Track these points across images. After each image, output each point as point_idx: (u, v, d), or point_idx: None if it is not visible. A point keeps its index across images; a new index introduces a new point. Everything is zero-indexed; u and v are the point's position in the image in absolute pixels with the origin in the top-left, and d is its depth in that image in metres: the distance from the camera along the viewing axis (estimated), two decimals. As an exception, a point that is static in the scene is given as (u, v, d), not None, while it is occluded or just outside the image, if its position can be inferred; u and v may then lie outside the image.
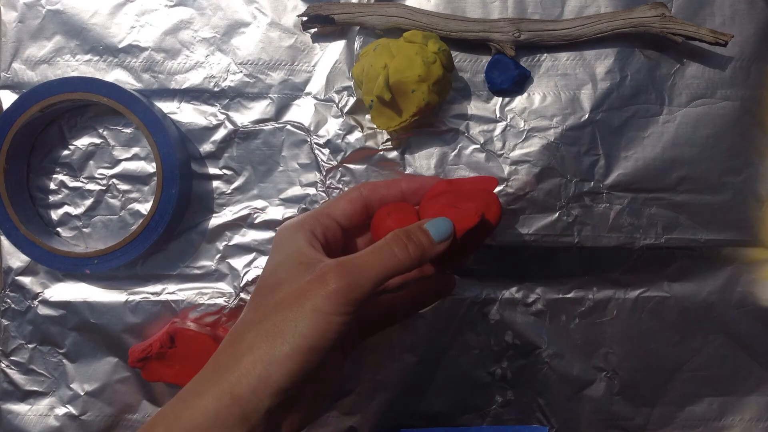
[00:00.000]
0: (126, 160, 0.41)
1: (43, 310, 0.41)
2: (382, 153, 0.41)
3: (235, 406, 0.27)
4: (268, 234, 0.41)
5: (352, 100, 0.41)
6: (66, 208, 0.42)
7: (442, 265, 0.34)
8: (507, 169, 0.41)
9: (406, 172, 0.40)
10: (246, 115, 0.41)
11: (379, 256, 0.30)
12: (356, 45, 0.41)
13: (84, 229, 0.42)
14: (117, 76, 0.41)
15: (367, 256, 0.30)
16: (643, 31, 0.39)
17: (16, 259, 0.41)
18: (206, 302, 0.41)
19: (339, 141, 0.41)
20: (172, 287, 0.41)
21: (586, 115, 0.41)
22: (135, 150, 0.41)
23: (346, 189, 0.41)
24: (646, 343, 0.42)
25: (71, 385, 0.42)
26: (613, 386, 0.42)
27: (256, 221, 0.41)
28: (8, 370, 0.42)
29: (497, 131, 0.41)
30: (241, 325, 0.30)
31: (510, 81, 0.40)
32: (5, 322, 0.42)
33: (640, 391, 0.42)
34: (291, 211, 0.41)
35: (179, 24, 0.41)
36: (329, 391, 0.33)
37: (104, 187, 0.41)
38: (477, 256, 0.41)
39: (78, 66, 0.41)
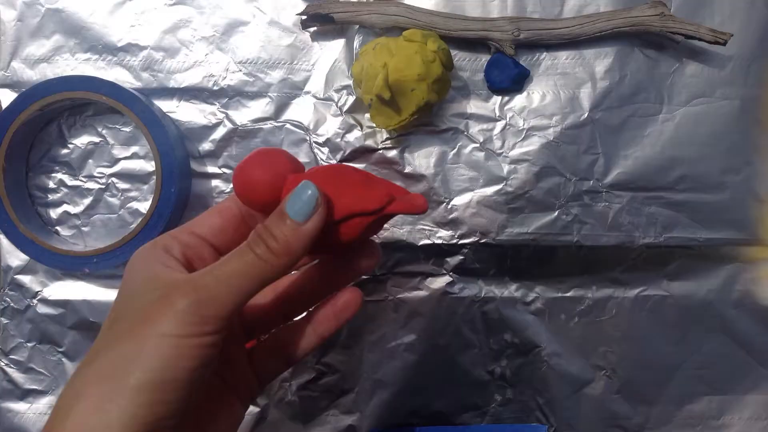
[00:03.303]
0: (125, 158, 0.41)
1: (43, 309, 0.41)
2: (381, 152, 0.41)
3: None
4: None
5: (351, 99, 0.41)
6: (65, 207, 0.42)
7: (327, 250, 0.28)
8: (506, 167, 0.41)
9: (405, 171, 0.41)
10: (245, 114, 0.41)
11: (240, 262, 0.25)
12: (356, 44, 0.41)
13: (83, 228, 0.41)
14: (116, 74, 0.41)
15: (226, 265, 0.25)
16: (642, 30, 0.39)
17: (15, 257, 0.41)
18: (205, 301, 0.41)
19: (338, 140, 0.41)
20: (171, 286, 0.41)
21: (586, 114, 0.41)
22: (134, 149, 0.41)
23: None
24: (645, 341, 0.42)
25: (70, 384, 0.42)
26: (612, 385, 0.42)
27: (256, 220, 0.41)
28: (7, 369, 0.42)
29: (497, 130, 0.41)
30: (75, 371, 0.24)
31: (509, 80, 0.40)
32: (4, 320, 0.41)
33: (639, 390, 0.42)
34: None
35: (178, 23, 0.41)
36: None
37: (103, 186, 0.41)
38: (476, 255, 0.41)
39: (77, 65, 0.41)
